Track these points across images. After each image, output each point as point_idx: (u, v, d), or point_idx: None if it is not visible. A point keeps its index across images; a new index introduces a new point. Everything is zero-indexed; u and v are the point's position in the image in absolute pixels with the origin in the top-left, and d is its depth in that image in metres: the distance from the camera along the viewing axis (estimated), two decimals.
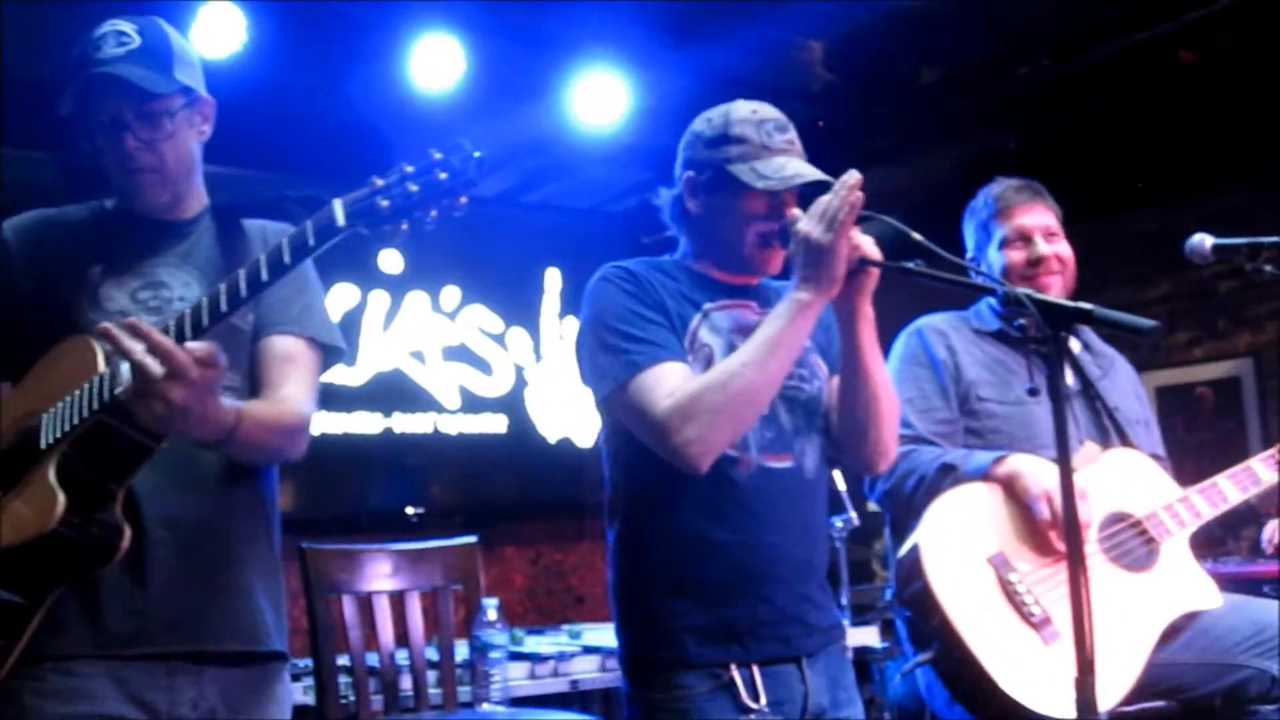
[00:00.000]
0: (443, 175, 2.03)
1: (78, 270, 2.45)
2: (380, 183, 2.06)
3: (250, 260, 2.16)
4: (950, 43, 6.01)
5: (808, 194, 2.53)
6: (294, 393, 2.46)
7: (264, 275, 2.13)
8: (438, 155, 2.06)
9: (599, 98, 5.99)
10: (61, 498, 2.17)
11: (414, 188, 2.03)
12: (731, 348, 2.55)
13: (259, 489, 2.54)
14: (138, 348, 2.09)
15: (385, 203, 2.04)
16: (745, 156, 2.57)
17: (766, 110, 2.63)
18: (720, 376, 2.41)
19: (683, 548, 2.53)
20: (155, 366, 2.08)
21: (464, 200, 2.05)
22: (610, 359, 2.51)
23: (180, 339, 2.14)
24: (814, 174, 2.55)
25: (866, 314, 2.55)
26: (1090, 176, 6.51)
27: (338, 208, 2.07)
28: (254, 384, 2.50)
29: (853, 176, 2.41)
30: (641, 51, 5.89)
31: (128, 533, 2.25)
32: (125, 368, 2.13)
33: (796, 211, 2.50)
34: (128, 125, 2.40)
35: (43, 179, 5.16)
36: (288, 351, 2.50)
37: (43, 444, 2.24)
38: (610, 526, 2.66)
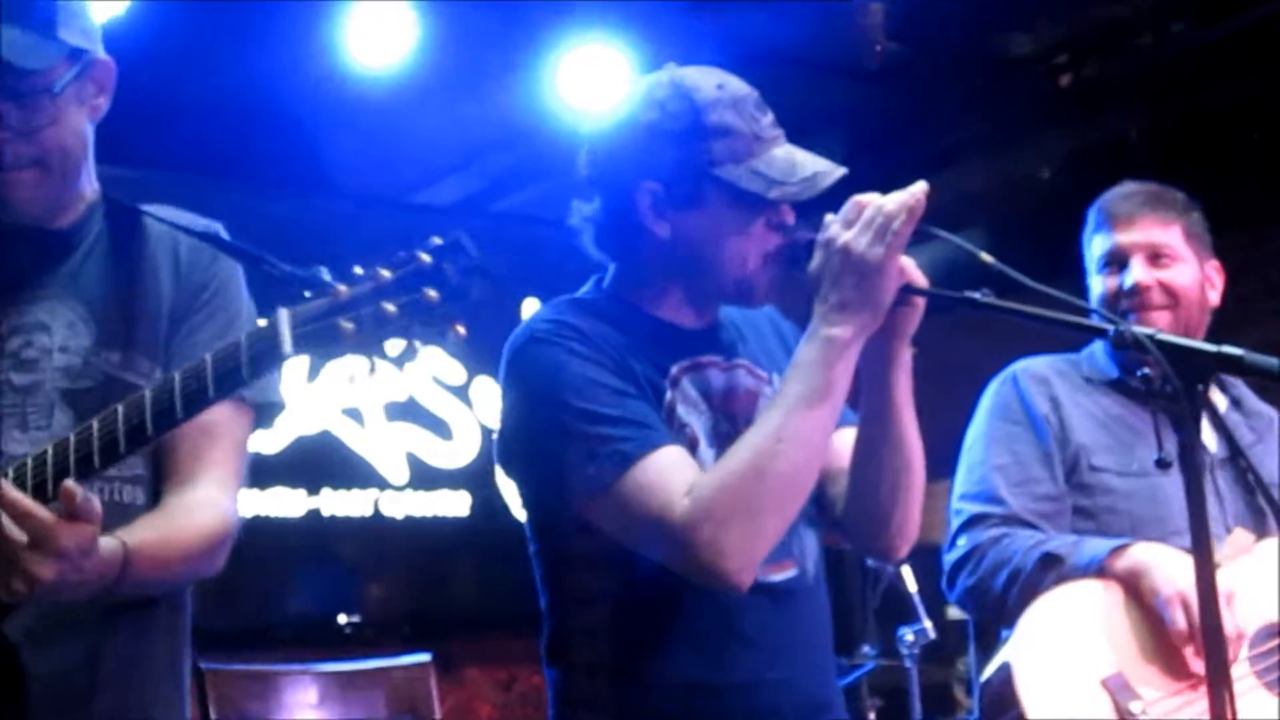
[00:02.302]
0: (432, 294, 1.97)
1: None
2: (345, 292, 2.00)
3: (161, 386, 2.11)
4: (1051, 2, 6.05)
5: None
6: (211, 494, 2.43)
7: (178, 412, 2.10)
8: (425, 258, 1.98)
9: (593, 76, 6.00)
10: None
11: (391, 309, 1.97)
12: (716, 430, 2.56)
13: (166, 615, 2.53)
14: None
15: (349, 325, 1.98)
16: (736, 154, 2.51)
17: (733, 82, 2.57)
18: (753, 459, 2.36)
19: (667, 703, 2.50)
20: (16, 534, 2.06)
21: (461, 330, 2.01)
22: (583, 452, 2.41)
23: (41, 496, 2.11)
24: (835, 169, 2.53)
25: (904, 361, 2.53)
26: (1235, 178, 6.48)
27: (285, 328, 2.02)
28: (159, 465, 2.47)
29: (920, 186, 2.37)
30: (648, 17, 5.91)
31: None
32: None
33: (831, 217, 2.43)
34: None
35: None
36: (206, 423, 2.40)
37: None
38: (553, 670, 2.64)
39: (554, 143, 6.03)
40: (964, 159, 6.13)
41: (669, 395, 2.54)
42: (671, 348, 2.59)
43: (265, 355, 2.05)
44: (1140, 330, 2.21)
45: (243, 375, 2.07)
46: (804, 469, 2.40)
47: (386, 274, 1.98)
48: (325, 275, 2.04)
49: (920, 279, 2.46)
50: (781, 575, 2.56)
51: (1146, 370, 2.20)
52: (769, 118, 2.56)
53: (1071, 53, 6.33)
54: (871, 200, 2.39)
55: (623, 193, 2.57)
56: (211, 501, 2.43)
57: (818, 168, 2.51)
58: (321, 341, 2.01)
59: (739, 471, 2.35)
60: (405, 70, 5.66)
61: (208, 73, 5.62)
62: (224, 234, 2.52)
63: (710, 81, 2.55)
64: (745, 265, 2.55)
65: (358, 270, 2.01)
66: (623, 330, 2.55)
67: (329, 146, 6.29)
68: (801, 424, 2.37)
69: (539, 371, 2.49)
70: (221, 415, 2.44)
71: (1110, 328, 2.30)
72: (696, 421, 2.55)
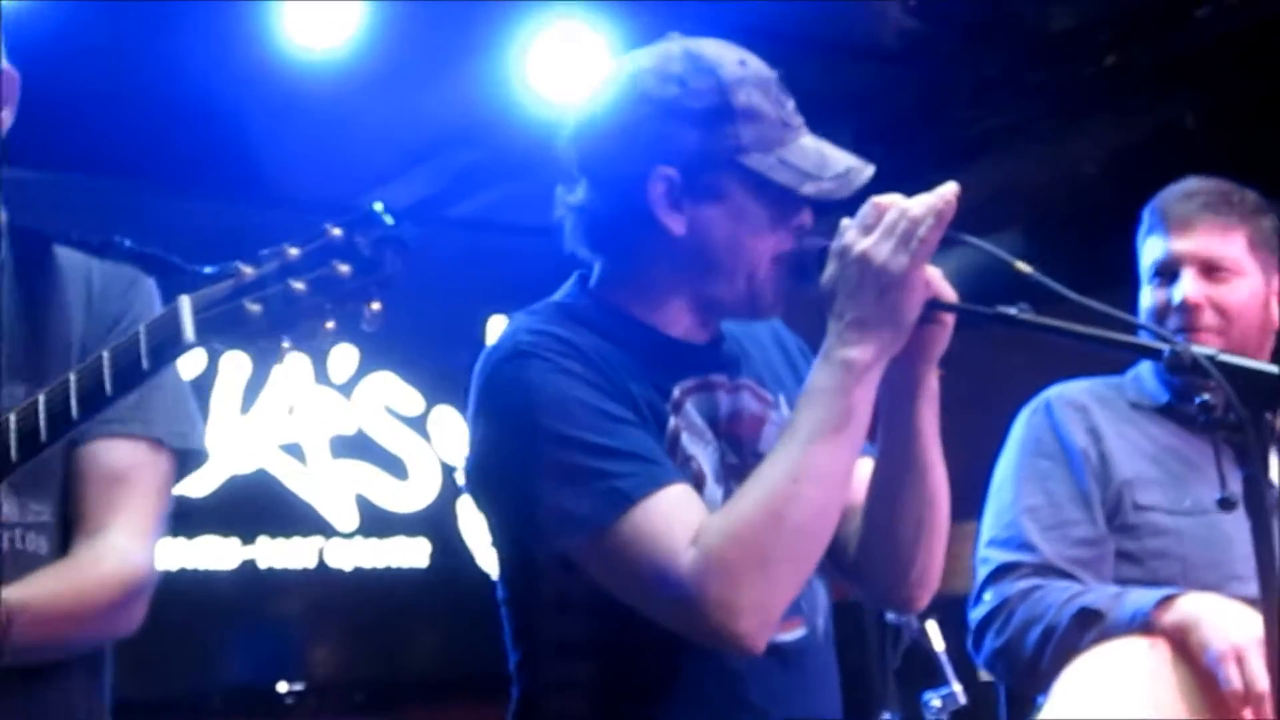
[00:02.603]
0: (344, 269, 2.01)
1: None
2: (249, 273, 2.04)
3: (55, 389, 2.14)
4: None
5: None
6: (119, 543, 2.45)
7: (74, 414, 2.13)
8: (335, 232, 2.03)
9: (567, 61, 5.99)
10: None
11: (299, 286, 2.01)
12: (724, 462, 2.55)
13: (82, 681, 2.54)
14: None
15: (256, 308, 2.02)
16: (766, 141, 2.50)
17: (753, 60, 2.56)
18: (767, 503, 2.33)
19: None
20: None
21: (377, 307, 2.04)
22: (573, 489, 2.38)
23: None
24: (866, 167, 2.53)
25: (930, 386, 2.54)
26: None
27: (186, 314, 2.06)
28: (67, 512, 2.49)
29: (950, 187, 2.35)
30: None
31: None
32: None
33: (847, 221, 2.42)
34: None
35: None
36: (118, 466, 2.48)
37: None
38: None
39: (522, 137, 6.04)
40: (994, 151, 6.12)
41: (672, 422, 2.51)
42: (673, 365, 2.57)
43: (166, 345, 2.08)
44: (1200, 350, 2.23)
45: (143, 368, 2.10)
46: (824, 513, 2.38)
47: (294, 251, 2.03)
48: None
49: (949, 292, 2.45)
50: (790, 635, 2.55)
51: (1206, 397, 2.20)
52: (792, 103, 2.55)
53: (1118, 29, 6.31)
54: (893, 202, 2.37)
55: (630, 179, 2.52)
56: (119, 551, 2.45)
57: (850, 163, 2.51)
58: (227, 326, 2.05)
59: (751, 517, 2.32)
60: (350, 56, 5.65)
61: (124, 61, 5.61)
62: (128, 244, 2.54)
63: (732, 57, 2.53)
64: (758, 271, 2.54)
65: (264, 252, 2.05)
66: (618, 343, 2.52)
67: (264, 144, 6.27)
68: (819, 460, 2.35)
69: (522, 391, 2.44)
70: (136, 459, 2.50)
71: (1165, 347, 2.30)
72: (702, 454, 2.53)
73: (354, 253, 2.02)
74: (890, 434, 2.56)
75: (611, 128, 2.55)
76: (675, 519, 2.34)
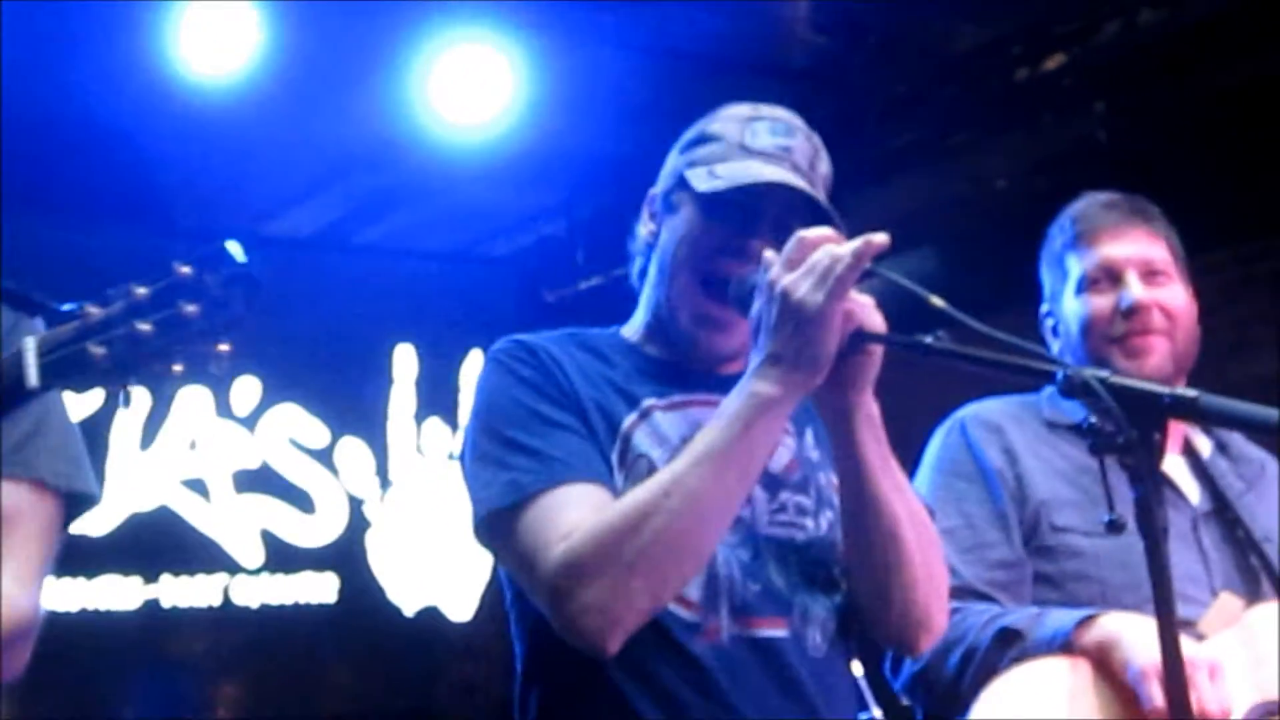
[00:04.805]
0: (190, 309, 2.02)
1: None
2: (95, 314, 2.04)
3: None
4: None
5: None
6: (2, 587, 2.44)
7: None
8: (184, 270, 2.03)
9: (469, 82, 5.96)
10: None
11: (145, 328, 2.01)
12: None
13: None
14: None
15: (100, 350, 2.02)
16: (710, 157, 2.72)
17: (773, 111, 2.77)
18: (630, 511, 2.44)
19: None
20: None
21: (225, 348, 2.05)
22: (487, 476, 2.59)
23: None
24: (784, 179, 2.63)
25: (868, 413, 2.59)
26: (1224, 184, 6.42)
27: (30, 358, 2.05)
28: None
29: (879, 238, 2.42)
30: (537, 12, 5.86)
31: None
32: None
33: (770, 254, 2.52)
34: None
35: None
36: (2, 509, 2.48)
37: None
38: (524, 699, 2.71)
39: (427, 161, 6.18)
40: (905, 169, 6.16)
41: (628, 421, 2.65)
42: (658, 383, 2.73)
43: (9, 390, 2.07)
44: (1089, 373, 2.27)
45: None
46: (690, 532, 2.44)
47: (141, 290, 2.03)
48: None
49: (877, 322, 2.52)
50: (767, 632, 2.60)
51: (1093, 419, 2.24)
52: (784, 141, 2.73)
53: (1028, 44, 6.37)
54: (818, 238, 2.46)
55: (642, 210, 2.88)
56: (2, 596, 2.43)
57: (773, 178, 2.63)
58: (71, 370, 2.04)
59: (614, 522, 2.43)
60: (249, 80, 5.63)
61: (18, 87, 5.55)
62: None
63: (751, 107, 2.80)
64: (684, 292, 2.72)
65: (110, 291, 2.05)
66: (606, 360, 2.74)
67: (163, 171, 6.28)
68: (696, 481, 2.43)
69: (479, 392, 2.70)
70: (18, 502, 2.49)
71: (1058, 370, 2.34)
72: (658, 455, 2.61)
73: (202, 292, 2.03)
74: (840, 468, 2.63)
75: None
76: (559, 515, 2.48)
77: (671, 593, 2.51)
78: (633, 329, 2.85)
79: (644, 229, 2.84)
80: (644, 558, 2.41)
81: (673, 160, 2.82)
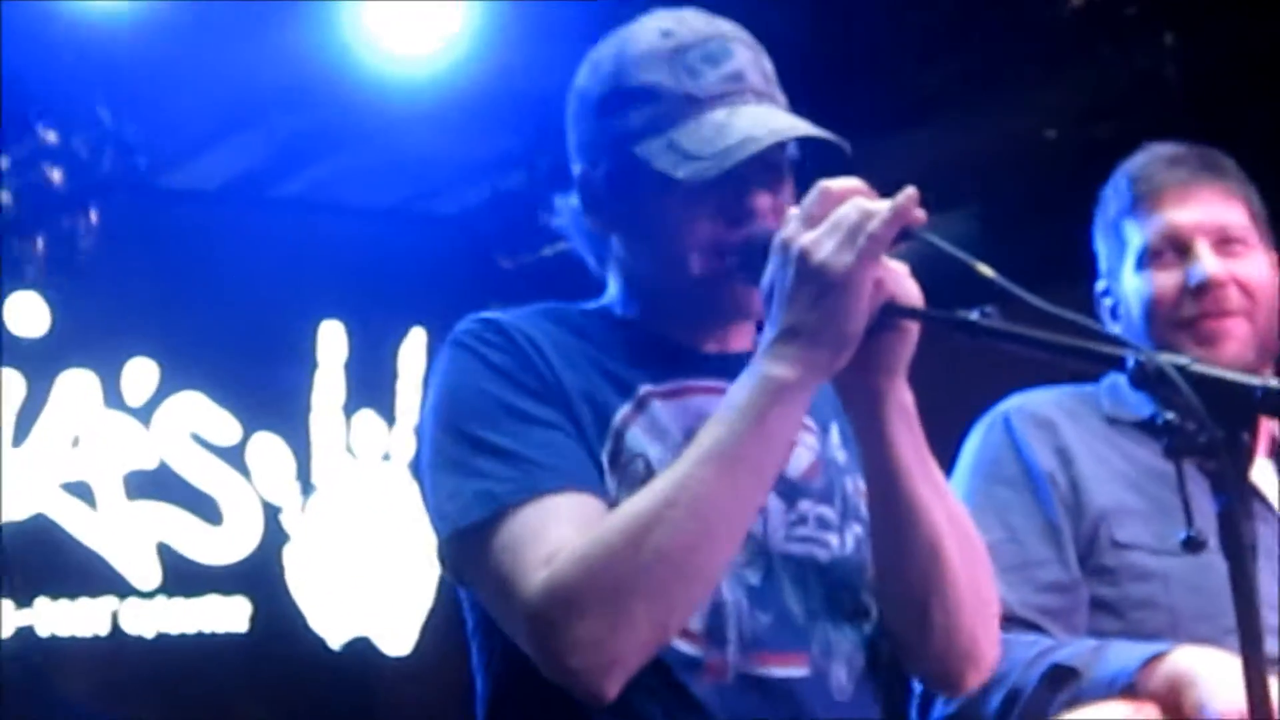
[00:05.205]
0: (55, 174, 1.89)
1: None
2: None
3: None
4: None
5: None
6: None
7: None
8: (50, 136, 1.87)
9: (414, 4, 5.81)
10: None
11: (3, 198, 1.89)
12: None
13: None
14: None
15: None
16: (658, 124, 2.51)
17: (690, 23, 2.58)
18: (628, 527, 2.30)
19: None
20: None
21: (95, 218, 1.87)
22: (452, 487, 2.43)
23: None
24: (792, 127, 2.48)
25: (901, 402, 2.45)
26: None
27: None
28: None
29: (909, 191, 2.27)
30: None
31: None
32: None
33: (793, 210, 2.37)
34: None
35: None
36: None
37: None
38: None
39: (360, 100, 6.10)
40: (939, 113, 6.03)
41: (622, 413, 2.51)
42: (654, 366, 2.58)
43: None
44: (1167, 359, 2.14)
45: None
46: (699, 548, 2.32)
47: (2, 161, 1.83)
48: None
49: (912, 293, 2.38)
50: (783, 670, 2.47)
51: (1170, 415, 2.10)
52: (728, 67, 2.53)
53: None
54: (846, 188, 2.32)
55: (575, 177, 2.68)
56: None
57: (752, 132, 2.46)
58: None
59: (609, 541, 2.30)
60: (148, 9, 5.37)
61: None
62: None
63: (655, 26, 2.58)
64: (687, 268, 2.53)
65: None
66: (588, 339, 2.59)
67: (49, 114, 6.08)
68: (704, 486, 2.30)
69: (441, 381, 2.54)
70: None
71: (1128, 356, 2.22)
72: (656, 454, 2.47)
73: (69, 155, 1.94)
74: (868, 468, 2.51)
75: (567, 124, 2.69)
76: (540, 533, 2.35)
77: (679, 623, 2.36)
78: (615, 303, 2.69)
79: (591, 221, 2.65)
80: (646, 581, 2.28)
81: (589, 126, 2.62)
